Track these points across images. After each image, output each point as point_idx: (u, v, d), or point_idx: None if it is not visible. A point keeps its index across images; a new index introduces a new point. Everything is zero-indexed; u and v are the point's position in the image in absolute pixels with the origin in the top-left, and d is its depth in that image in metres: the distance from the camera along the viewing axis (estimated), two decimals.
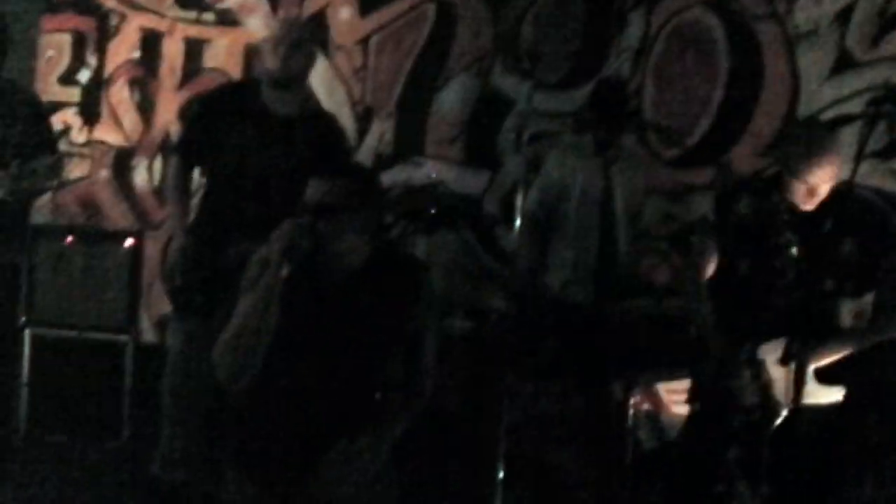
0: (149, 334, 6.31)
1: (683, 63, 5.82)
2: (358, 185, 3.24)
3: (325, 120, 4.63)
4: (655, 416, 5.22)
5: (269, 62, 4.42)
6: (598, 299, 4.96)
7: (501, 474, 4.03)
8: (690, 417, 4.86)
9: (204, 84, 6.44)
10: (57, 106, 6.66)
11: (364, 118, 6.38)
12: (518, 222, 4.58)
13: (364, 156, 6.31)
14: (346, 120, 6.38)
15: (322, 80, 6.42)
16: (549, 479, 4.45)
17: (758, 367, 3.90)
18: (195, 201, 4.75)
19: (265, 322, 3.08)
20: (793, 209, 4.00)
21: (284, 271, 3.08)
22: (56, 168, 4.74)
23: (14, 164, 4.57)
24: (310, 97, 4.68)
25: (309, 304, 3.17)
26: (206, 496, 4.19)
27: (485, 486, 4.31)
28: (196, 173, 4.75)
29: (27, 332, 5.53)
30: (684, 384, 5.03)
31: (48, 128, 5.00)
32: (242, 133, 4.37)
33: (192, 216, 4.66)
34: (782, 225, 3.97)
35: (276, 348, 3.13)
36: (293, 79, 4.42)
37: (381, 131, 6.35)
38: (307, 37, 4.55)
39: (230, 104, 4.52)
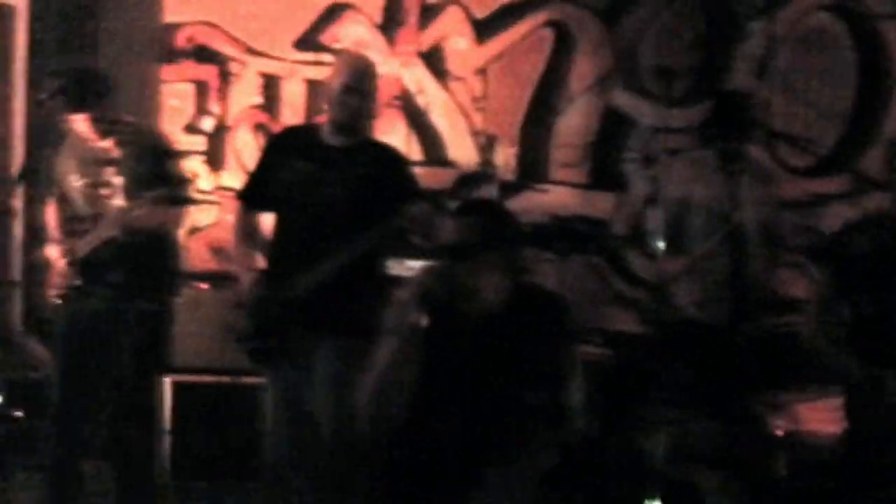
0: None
1: (809, 70, 5.70)
2: (492, 222, 3.20)
3: (383, 150, 4.55)
4: (799, 436, 5.09)
5: (329, 107, 4.44)
6: (733, 318, 4.82)
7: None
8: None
9: None
10: (183, 155, 6.78)
11: (486, 148, 6.36)
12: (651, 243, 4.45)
13: (487, 190, 6.28)
14: (469, 149, 6.40)
15: (442, 112, 6.46)
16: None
17: None
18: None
19: (407, 371, 3.05)
20: None
21: (424, 320, 3.05)
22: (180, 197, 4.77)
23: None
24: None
25: (452, 347, 3.13)
26: None
27: None
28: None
29: (167, 380, 5.61)
30: (829, 403, 4.90)
31: (173, 163, 4.98)
32: (298, 167, 4.36)
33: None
34: None
35: (421, 393, 3.10)
36: (355, 125, 4.39)
37: (505, 159, 6.32)
38: (365, 86, 4.42)
39: (288, 145, 4.53)
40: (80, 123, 4.73)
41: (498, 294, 3.14)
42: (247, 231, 4.58)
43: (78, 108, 4.70)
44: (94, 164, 4.72)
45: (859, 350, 3.95)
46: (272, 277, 4.35)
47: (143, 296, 4.85)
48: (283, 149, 4.51)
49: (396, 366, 3.05)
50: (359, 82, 4.36)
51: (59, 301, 4.73)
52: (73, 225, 4.76)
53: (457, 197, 4.39)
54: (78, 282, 4.68)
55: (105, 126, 4.72)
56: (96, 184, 4.71)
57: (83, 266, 4.69)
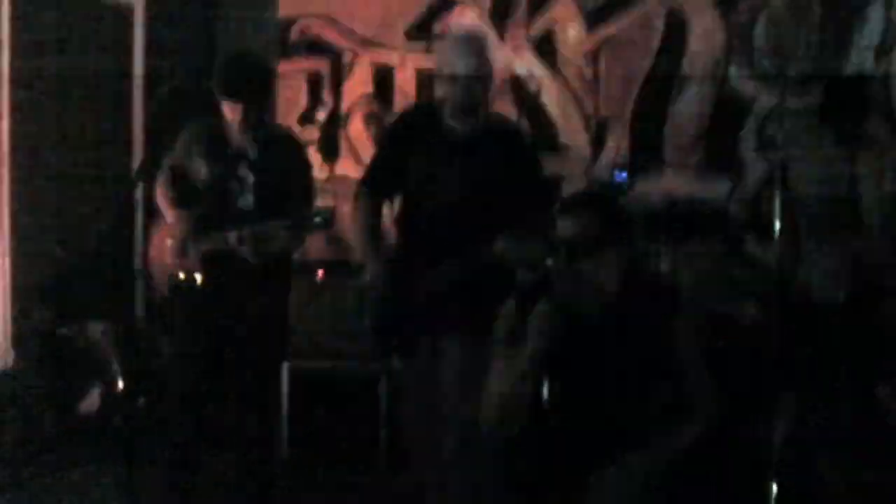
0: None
1: None
2: (607, 215, 3.18)
3: (510, 134, 4.46)
4: None
5: (447, 90, 4.32)
6: (856, 299, 4.72)
7: (775, 488, 3.86)
8: None
9: None
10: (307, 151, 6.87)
11: (598, 132, 6.32)
12: (777, 225, 4.35)
13: (601, 170, 6.26)
14: (581, 134, 6.36)
15: (554, 98, 6.44)
16: (823, 490, 4.25)
17: None
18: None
19: (530, 382, 3.07)
20: None
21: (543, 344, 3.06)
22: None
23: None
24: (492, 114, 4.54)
25: (573, 341, 3.12)
26: None
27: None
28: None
29: (285, 366, 5.69)
30: None
31: (312, 178, 4.97)
32: (426, 158, 4.27)
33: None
34: None
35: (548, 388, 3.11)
36: (473, 105, 4.28)
37: (617, 144, 6.28)
38: (482, 68, 4.30)
39: (410, 130, 4.42)
40: (224, 114, 4.62)
41: (613, 284, 3.13)
42: (370, 220, 4.49)
43: (233, 98, 4.56)
44: (226, 157, 4.72)
45: None
46: (401, 268, 4.30)
47: (265, 288, 4.90)
48: (405, 135, 4.42)
49: (520, 383, 3.06)
50: (473, 57, 4.27)
51: (180, 291, 4.78)
52: (196, 218, 4.74)
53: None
54: (199, 276, 4.70)
55: (251, 121, 4.63)
56: (225, 177, 4.71)
57: (207, 261, 4.72)
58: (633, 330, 3.12)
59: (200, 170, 4.71)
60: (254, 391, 4.90)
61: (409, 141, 4.37)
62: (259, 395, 4.95)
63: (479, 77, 4.26)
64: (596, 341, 3.11)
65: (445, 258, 4.14)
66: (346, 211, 6.70)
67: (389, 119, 6.70)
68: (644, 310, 3.15)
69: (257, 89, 4.63)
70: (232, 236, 4.55)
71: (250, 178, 4.66)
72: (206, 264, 4.65)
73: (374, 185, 4.50)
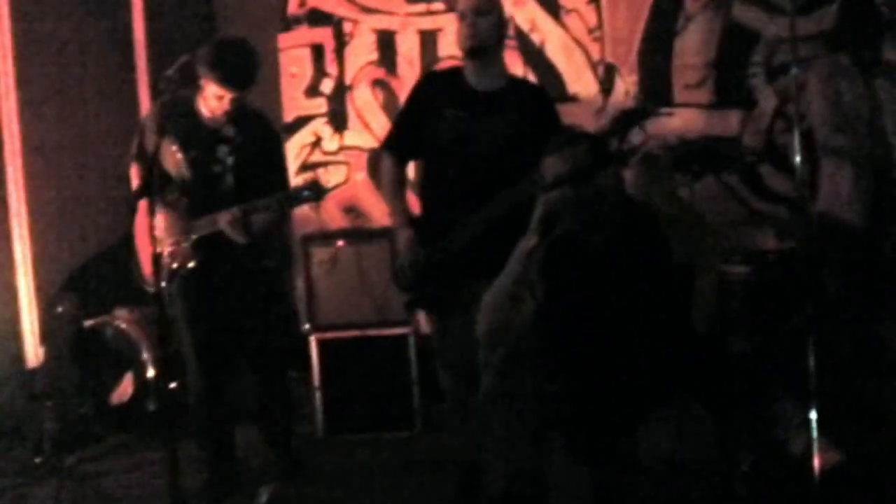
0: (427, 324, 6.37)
1: None
2: (599, 148, 3.25)
3: (529, 89, 4.56)
4: None
5: (459, 37, 4.38)
6: (879, 224, 4.67)
7: (814, 413, 3.83)
8: None
9: None
10: (306, 119, 6.87)
11: (606, 77, 6.28)
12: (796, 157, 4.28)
13: (612, 115, 6.21)
14: (589, 81, 6.32)
15: (558, 47, 6.39)
16: (859, 413, 4.23)
17: None
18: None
19: (523, 291, 3.10)
20: None
21: (533, 241, 3.10)
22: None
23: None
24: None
25: (578, 273, 3.16)
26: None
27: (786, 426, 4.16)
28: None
29: (313, 338, 5.70)
30: None
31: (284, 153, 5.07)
32: (450, 115, 4.32)
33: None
34: None
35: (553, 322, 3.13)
36: (485, 49, 4.34)
37: (626, 88, 6.23)
38: (489, 5, 4.38)
39: (434, 91, 4.47)
40: (207, 98, 4.65)
41: (610, 221, 3.17)
42: (397, 181, 4.53)
43: (228, 86, 4.58)
44: (207, 139, 4.73)
45: None
46: (431, 227, 4.35)
47: (265, 256, 4.94)
48: (429, 96, 4.45)
49: (514, 286, 3.10)
50: (481, 7, 4.33)
51: (179, 279, 4.81)
52: (184, 204, 4.78)
53: (616, 134, 4.28)
54: (194, 263, 4.74)
55: (236, 108, 4.67)
56: (207, 160, 4.72)
57: (201, 249, 4.75)
58: (633, 260, 3.17)
59: (176, 154, 4.72)
60: (271, 360, 4.97)
61: (433, 101, 4.40)
62: (275, 364, 5.01)
63: (486, 20, 4.32)
64: (600, 272, 3.13)
65: (471, 215, 4.19)
66: (361, 179, 6.80)
67: (395, 84, 6.69)
68: (639, 238, 3.20)
69: (253, 79, 4.66)
70: (223, 219, 4.60)
71: (230, 159, 4.70)
72: (198, 250, 4.71)
73: (398, 144, 4.55)
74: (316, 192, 4.57)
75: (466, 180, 4.26)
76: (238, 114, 4.71)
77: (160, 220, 4.66)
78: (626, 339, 3.17)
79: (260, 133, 4.82)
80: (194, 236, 4.70)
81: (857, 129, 4.87)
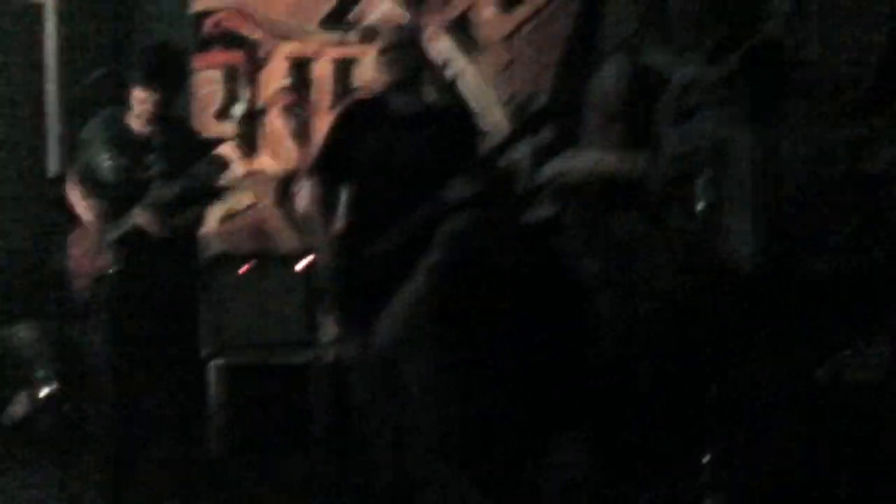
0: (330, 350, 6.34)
1: (843, 10, 5.66)
2: (496, 178, 3.30)
3: (453, 114, 4.90)
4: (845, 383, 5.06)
5: (379, 71, 4.65)
6: (780, 263, 4.80)
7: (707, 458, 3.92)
8: None
9: None
10: (216, 142, 6.82)
11: (517, 115, 6.36)
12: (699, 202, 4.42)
13: (522, 151, 6.28)
14: (499, 119, 6.39)
15: (471, 82, 6.45)
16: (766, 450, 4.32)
17: None
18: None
19: (421, 305, 3.12)
20: None
21: (434, 257, 3.13)
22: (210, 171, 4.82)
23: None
24: (442, 93, 4.80)
25: (474, 293, 3.19)
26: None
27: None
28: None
29: (214, 361, 5.65)
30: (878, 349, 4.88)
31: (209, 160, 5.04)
32: (373, 139, 4.54)
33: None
34: None
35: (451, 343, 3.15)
36: (405, 82, 4.60)
37: (536, 125, 6.30)
38: (406, 41, 4.70)
39: (360, 115, 4.71)
40: (134, 105, 4.77)
41: (510, 251, 3.22)
42: (325, 203, 4.71)
43: (150, 86, 4.72)
44: (132, 146, 4.78)
45: None
46: (354, 245, 4.49)
47: (180, 276, 4.93)
48: (354, 120, 4.68)
49: (416, 303, 3.12)
50: (399, 39, 4.65)
51: (100, 284, 4.78)
52: (103, 206, 4.84)
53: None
54: (118, 266, 4.72)
55: (162, 111, 4.79)
56: (133, 166, 4.77)
57: (122, 250, 4.74)
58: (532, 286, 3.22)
59: (106, 162, 4.75)
60: (173, 381, 4.94)
61: (357, 124, 4.64)
62: (178, 386, 4.98)
63: (404, 56, 4.62)
64: (496, 293, 3.17)
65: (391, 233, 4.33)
66: (269, 204, 6.76)
67: (307, 110, 6.69)
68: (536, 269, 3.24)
69: (174, 78, 4.73)
70: (135, 211, 4.67)
71: (157, 167, 4.72)
72: (119, 251, 4.74)
73: (326, 168, 4.74)
74: (218, 166, 4.68)
75: (385, 201, 4.43)
76: (165, 124, 4.82)
77: (85, 231, 4.80)
78: (523, 364, 3.20)
79: (186, 141, 4.95)
80: (113, 237, 4.71)
81: (757, 171, 5.01)
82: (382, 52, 4.66)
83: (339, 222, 4.77)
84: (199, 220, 5.13)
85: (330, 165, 4.75)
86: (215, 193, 5.08)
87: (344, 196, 4.83)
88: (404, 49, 4.64)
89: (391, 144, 4.51)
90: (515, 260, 3.27)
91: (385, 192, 4.47)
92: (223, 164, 4.76)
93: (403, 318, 3.21)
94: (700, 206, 4.63)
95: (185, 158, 4.79)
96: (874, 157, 5.46)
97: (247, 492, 5.20)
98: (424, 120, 4.57)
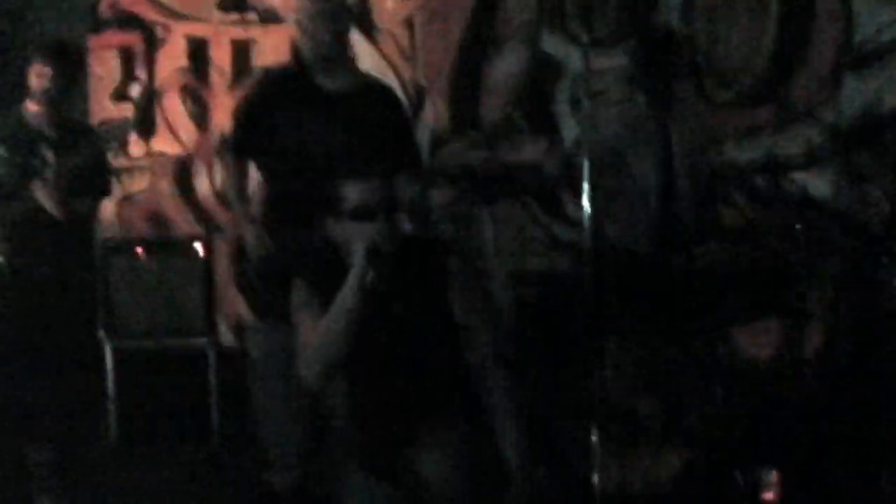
0: (228, 337, 6.32)
1: (733, 3, 5.75)
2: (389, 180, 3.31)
3: (380, 92, 4.46)
4: (736, 362, 5.19)
5: (303, 41, 4.28)
6: (665, 249, 4.88)
7: (596, 433, 3.98)
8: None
9: None
10: (123, 127, 6.74)
11: (416, 99, 6.37)
12: (585, 185, 4.43)
13: (420, 135, 6.31)
14: None
15: (370, 66, 6.44)
16: (642, 432, 4.40)
17: None
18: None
19: (350, 328, 3.12)
20: None
21: (370, 278, 3.11)
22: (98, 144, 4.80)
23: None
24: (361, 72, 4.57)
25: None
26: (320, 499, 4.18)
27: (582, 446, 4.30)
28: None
29: (108, 347, 5.59)
30: (764, 327, 5.01)
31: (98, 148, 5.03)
32: (296, 117, 4.22)
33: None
34: None
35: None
36: (332, 53, 4.25)
37: (435, 110, 6.33)
38: (337, 8, 4.31)
39: (279, 91, 4.37)
40: (30, 85, 4.75)
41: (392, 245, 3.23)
42: (240, 182, 4.45)
43: (47, 60, 4.72)
44: (26, 140, 4.73)
45: None
46: (275, 228, 4.26)
47: (75, 263, 4.90)
48: (272, 97, 4.35)
49: (343, 326, 3.12)
50: (314, 6, 4.25)
51: None
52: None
53: None
54: (3, 256, 4.68)
55: (58, 92, 4.77)
56: (27, 161, 4.72)
57: (13, 238, 4.69)
58: (413, 291, 3.22)
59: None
60: (70, 367, 4.89)
61: (275, 102, 4.30)
62: (76, 372, 4.93)
63: (332, 24, 4.23)
64: (385, 303, 3.18)
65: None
66: (166, 186, 6.71)
67: (205, 92, 6.63)
68: (420, 270, 3.25)
69: (68, 57, 4.77)
70: (35, 186, 4.63)
71: (52, 159, 4.69)
72: (15, 235, 4.68)
73: (241, 146, 4.44)
74: (119, 132, 4.63)
75: (306, 186, 4.03)
76: (60, 118, 4.83)
77: None
78: (402, 356, 3.22)
79: (80, 133, 4.92)
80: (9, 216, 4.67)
81: (647, 160, 5.09)
82: (304, 21, 4.23)
83: (255, 206, 4.54)
84: (96, 206, 5.06)
85: (244, 146, 4.42)
86: (109, 176, 5.01)
87: (259, 178, 4.57)
88: (328, 19, 4.19)
89: (312, 124, 4.20)
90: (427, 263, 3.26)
91: (303, 176, 4.13)
92: (116, 138, 4.69)
93: (337, 347, 3.15)
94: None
95: (85, 156, 4.76)
96: (759, 147, 5.61)
97: (141, 480, 5.14)
98: (349, 99, 4.23)
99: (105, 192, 5.07)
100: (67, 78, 4.83)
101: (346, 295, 3.13)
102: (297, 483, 4.33)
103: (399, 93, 4.58)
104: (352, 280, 3.13)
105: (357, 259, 3.14)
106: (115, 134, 4.78)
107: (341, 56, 4.32)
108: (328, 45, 4.22)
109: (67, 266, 4.87)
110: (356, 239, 3.17)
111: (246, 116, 4.50)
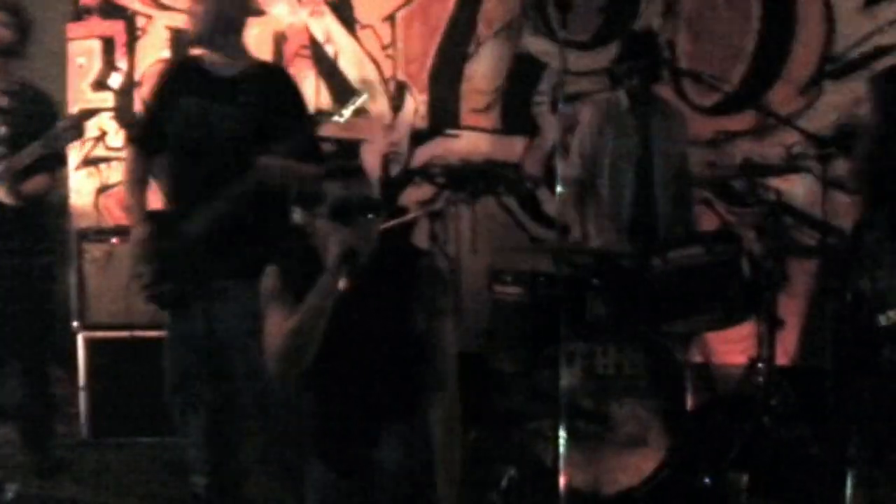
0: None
1: (715, 9, 5.77)
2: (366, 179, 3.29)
3: (273, 75, 4.32)
4: (708, 366, 5.20)
5: (190, 24, 4.21)
6: (642, 252, 4.87)
7: (563, 433, 3.97)
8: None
9: None
10: (92, 112, 6.69)
11: (397, 95, 6.36)
12: (559, 185, 4.41)
13: (400, 132, 6.32)
14: (380, 97, 6.39)
15: (352, 60, 6.44)
16: (611, 435, 4.40)
17: None
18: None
19: (320, 327, 3.11)
20: None
21: (342, 283, 3.10)
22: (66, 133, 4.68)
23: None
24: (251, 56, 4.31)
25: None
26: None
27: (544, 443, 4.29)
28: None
29: (81, 336, 5.56)
30: (738, 333, 5.02)
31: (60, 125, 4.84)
32: (185, 105, 4.13)
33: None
34: None
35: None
36: (211, 36, 4.15)
37: (415, 106, 6.33)
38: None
39: (174, 81, 4.27)
40: None
41: (370, 248, 3.22)
42: (140, 176, 4.28)
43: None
44: None
45: None
46: (171, 219, 4.15)
47: (41, 251, 4.88)
48: (171, 87, 4.25)
49: (313, 323, 3.10)
50: None
51: None
52: None
53: None
54: None
55: (12, 48, 4.76)
56: None
57: None
58: (384, 291, 3.22)
59: None
60: (30, 364, 4.87)
61: (174, 91, 4.21)
62: (36, 369, 4.91)
63: (217, 8, 4.14)
64: (350, 304, 3.16)
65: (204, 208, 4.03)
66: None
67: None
68: (394, 273, 3.25)
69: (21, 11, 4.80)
70: None
71: (2, 129, 4.67)
72: None
73: (144, 139, 4.32)
74: (76, 122, 4.61)
75: (203, 172, 4.06)
76: (16, 86, 4.79)
77: None
78: (366, 358, 3.21)
79: (36, 106, 4.86)
80: None
81: (626, 162, 5.08)
82: (193, 7, 4.13)
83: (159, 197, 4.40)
84: (48, 187, 4.96)
85: (145, 136, 4.27)
86: (62, 159, 4.97)
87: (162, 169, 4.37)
88: (216, 5, 4.08)
89: (205, 111, 4.08)
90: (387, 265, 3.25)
91: (200, 164, 4.05)
92: (79, 129, 4.61)
93: (306, 344, 3.13)
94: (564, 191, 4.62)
95: (41, 127, 4.70)
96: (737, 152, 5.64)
97: (106, 472, 5.12)
98: (244, 86, 4.10)
99: (56, 170, 4.98)
100: (20, 33, 4.79)
101: (319, 295, 3.11)
102: (212, 489, 4.26)
103: (290, 75, 4.47)
104: (325, 281, 3.12)
105: (332, 260, 3.12)
106: (70, 127, 4.61)
107: (231, 42, 4.20)
108: (219, 32, 4.16)
109: (27, 253, 4.84)
110: (333, 239, 3.15)
111: (145, 108, 4.48)
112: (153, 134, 4.24)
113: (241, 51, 4.23)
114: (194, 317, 4.08)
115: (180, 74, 4.27)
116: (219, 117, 4.06)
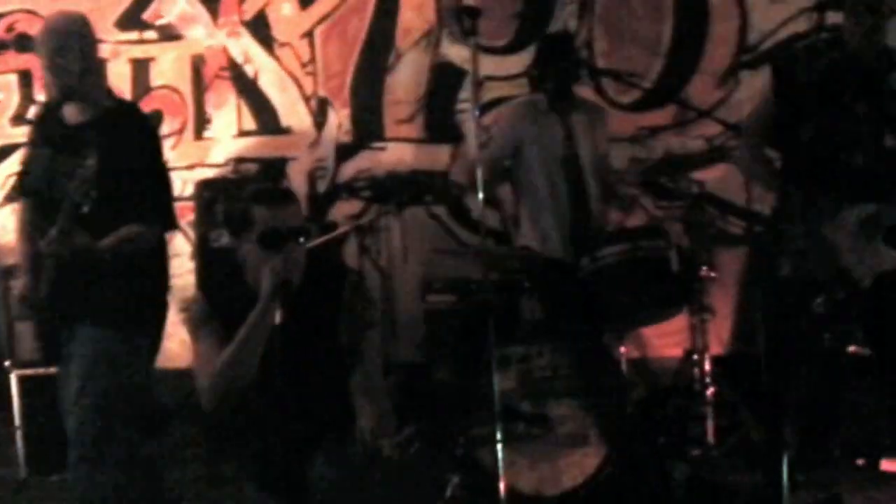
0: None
1: (629, 8, 5.82)
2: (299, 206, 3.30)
3: (122, 118, 4.15)
4: (644, 361, 5.24)
5: (47, 76, 4.09)
6: (574, 252, 4.89)
7: (501, 437, 3.97)
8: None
9: (155, 102, 6.44)
10: (12, 148, 6.62)
11: (319, 111, 6.34)
12: (479, 192, 4.40)
13: (325, 148, 6.29)
14: (302, 114, 6.37)
15: (272, 79, 6.41)
16: (552, 436, 4.40)
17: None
18: None
19: (255, 358, 3.10)
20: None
21: (278, 316, 3.10)
22: None
23: None
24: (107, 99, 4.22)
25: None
26: None
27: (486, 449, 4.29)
28: None
29: (14, 375, 5.47)
30: (671, 327, 5.06)
31: None
32: (46, 154, 4.05)
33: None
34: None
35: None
36: (76, 87, 4.05)
37: (339, 121, 6.31)
38: (72, 42, 4.04)
39: (36, 128, 4.22)
40: None
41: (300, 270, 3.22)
42: (22, 226, 4.19)
43: None
44: None
45: None
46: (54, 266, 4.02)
47: None
48: (32, 137, 4.22)
49: (246, 353, 3.09)
50: (53, 41, 4.02)
51: None
52: None
53: None
54: None
55: None
56: None
57: None
58: (312, 311, 3.21)
59: None
60: None
61: (33, 142, 4.18)
62: None
63: (64, 58, 4.02)
64: (281, 327, 3.16)
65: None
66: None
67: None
68: (319, 292, 3.25)
69: None
70: None
71: None
72: None
73: (22, 188, 4.26)
74: None
75: (49, 224, 3.91)
76: None
77: None
78: (297, 377, 3.20)
79: None
80: None
81: (553, 163, 5.09)
82: (45, 58, 4.01)
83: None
84: None
85: (23, 185, 4.17)
86: None
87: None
88: (65, 50, 3.97)
89: (53, 162, 3.98)
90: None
91: (52, 215, 3.86)
92: None
93: (241, 374, 3.12)
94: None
95: None
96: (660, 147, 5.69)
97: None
98: (90, 130, 3.96)
99: None
100: None
101: (253, 327, 3.11)
102: None
103: (144, 114, 4.43)
104: (259, 313, 3.11)
105: (265, 293, 3.11)
106: None
107: (87, 89, 4.09)
108: (73, 80, 4.04)
109: None
110: (264, 270, 3.14)
111: (22, 158, 4.42)
112: (25, 183, 4.18)
113: (100, 91, 4.18)
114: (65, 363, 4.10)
115: (40, 124, 4.23)
116: (67, 168, 3.91)
